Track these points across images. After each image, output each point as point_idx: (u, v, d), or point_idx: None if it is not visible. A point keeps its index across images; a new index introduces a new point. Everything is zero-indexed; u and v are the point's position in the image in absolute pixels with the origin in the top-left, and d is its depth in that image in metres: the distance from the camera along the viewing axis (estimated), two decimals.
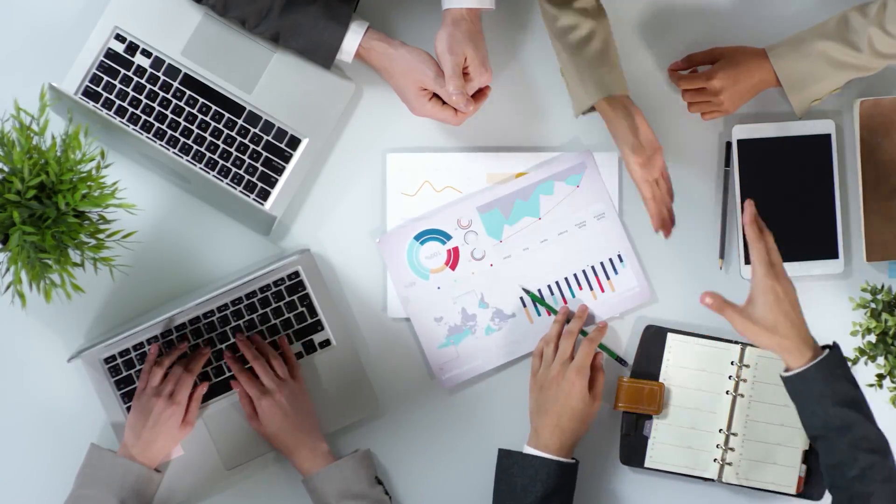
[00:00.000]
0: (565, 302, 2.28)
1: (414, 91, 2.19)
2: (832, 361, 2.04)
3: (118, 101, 2.25)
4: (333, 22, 2.19)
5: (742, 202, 2.28)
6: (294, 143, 2.27)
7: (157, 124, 2.25)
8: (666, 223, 2.19)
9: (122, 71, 2.25)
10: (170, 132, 2.26)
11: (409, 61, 2.19)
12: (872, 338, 2.10)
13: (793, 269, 2.28)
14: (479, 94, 2.21)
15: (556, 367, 2.19)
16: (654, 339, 2.27)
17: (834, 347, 2.05)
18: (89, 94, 2.25)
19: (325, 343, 2.27)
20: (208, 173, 2.26)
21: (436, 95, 2.20)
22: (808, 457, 2.26)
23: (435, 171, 2.29)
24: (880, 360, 2.20)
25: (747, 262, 2.28)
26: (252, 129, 2.26)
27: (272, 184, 2.26)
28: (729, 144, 2.30)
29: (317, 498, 2.19)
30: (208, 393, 2.26)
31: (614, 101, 2.16)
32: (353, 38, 2.20)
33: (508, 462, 2.18)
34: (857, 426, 2.02)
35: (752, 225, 2.08)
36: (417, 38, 2.26)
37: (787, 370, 2.05)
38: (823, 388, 2.03)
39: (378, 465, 2.27)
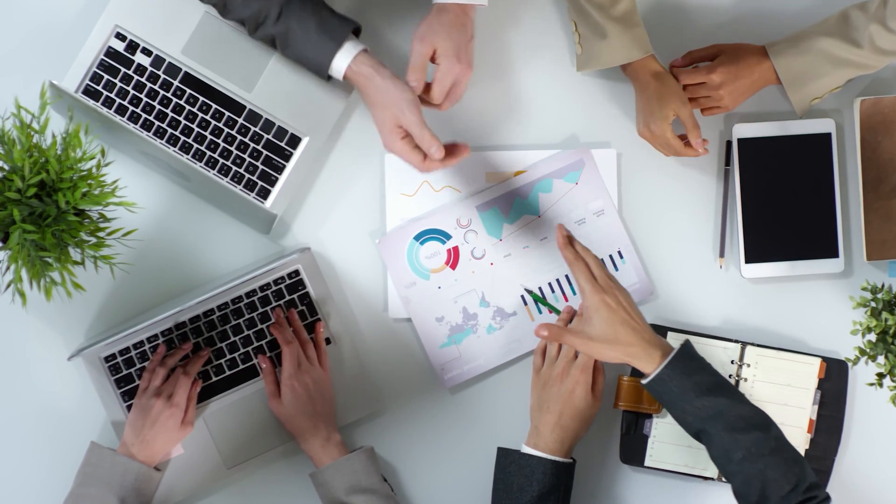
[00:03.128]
0: (566, 300, 2.28)
1: (389, 125, 2.14)
2: (683, 356, 2.08)
3: (118, 100, 2.25)
4: (326, 37, 2.16)
5: (742, 202, 2.28)
6: (294, 141, 2.27)
7: (157, 123, 2.25)
8: (692, 145, 2.20)
9: (123, 69, 2.25)
10: (170, 130, 2.26)
11: (392, 94, 2.14)
12: (872, 337, 2.10)
13: (793, 268, 2.28)
14: (453, 151, 2.16)
15: (561, 365, 2.19)
16: None
17: (684, 343, 2.10)
18: (90, 92, 2.25)
19: (326, 341, 2.27)
20: (208, 172, 2.26)
21: (409, 136, 2.16)
22: (809, 456, 2.26)
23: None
24: (880, 359, 2.20)
25: (748, 261, 2.28)
26: (252, 128, 2.26)
27: (272, 182, 2.26)
28: (729, 143, 2.30)
29: (325, 492, 2.19)
30: (209, 391, 2.26)
31: (651, 59, 2.21)
32: (343, 58, 2.16)
33: (506, 461, 2.18)
34: (729, 409, 2.06)
35: (566, 248, 2.15)
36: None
37: (644, 378, 2.09)
38: (683, 383, 2.06)
39: (380, 463, 2.27)
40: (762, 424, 2.06)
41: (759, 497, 2.03)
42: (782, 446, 2.06)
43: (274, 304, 2.26)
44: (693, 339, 2.27)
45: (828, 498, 2.04)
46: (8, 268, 1.93)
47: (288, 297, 2.26)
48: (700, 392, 2.06)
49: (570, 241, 2.17)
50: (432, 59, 2.18)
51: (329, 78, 2.19)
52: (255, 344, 2.26)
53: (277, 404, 2.23)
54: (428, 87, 2.18)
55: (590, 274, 2.13)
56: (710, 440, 2.07)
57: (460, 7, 2.16)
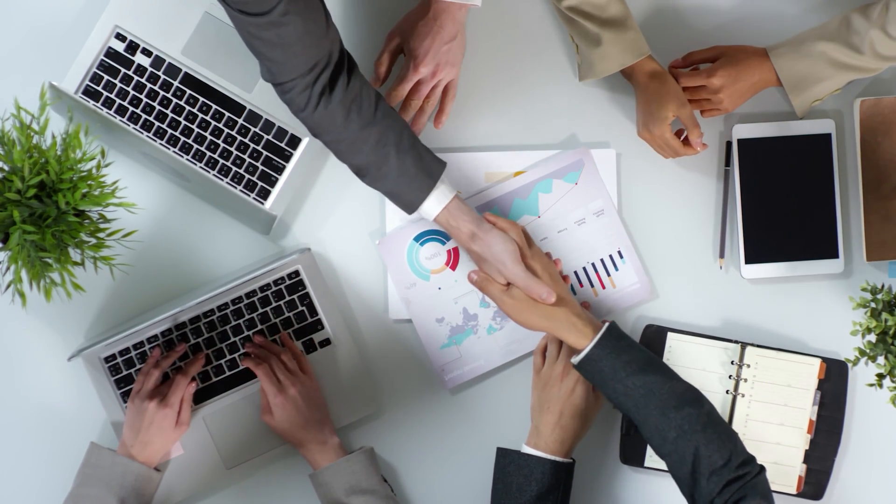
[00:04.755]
0: None
1: (513, 257, 2.14)
2: (612, 335, 2.10)
3: (118, 100, 2.25)
4: (423, 174, 2.12)
5: (742, 202, 2.28)
6: (294, 142, 2.26)
7: (157, 123, 2.25)
8: (690, 143, 2.20)
9: (123, 70, 2.25)
10: (170, 131, 2.25)
11: (494, 249, 2.14)
12: (872, 337, 2.10)
13: (793, 269, 2.28)
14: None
15: (561, 365, 2.19)
16: (653, 339, 2.27)
17: (609, 321, 2.13)
18: (89, 92, 2.25)
19: (326, 342, 2.27)
20: (208, 172, 2.26)
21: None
22: (808, 456, 2.26)
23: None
24: (880, 359, 2.20)
25: (747, 261, 2.28)
26: (252, 129, 2.26)
27: (272, 183, 2.26)
28: (729, 144, 2.30)
29: (325, 493, 2.19)
30: (209, 392, 2.26)
31: (648, 61, 2.21)
32: (439, 200, 2.14)
33: (505, 461, 2.18)
34: (660, 387, 2.07)
35: (487, 215, 2.18)
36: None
37: (574, 357, 2.11)
38: (613, 363, 2.09)
39: (381, 464, 2.27)
40: (694, 400, 2.08)
41: (692, 471, 2.04)
42: (715, 421, 2.07)
43: (274, 303, 2.26)
44: (693, 339, 2.27)
45: (762, 470, 2.05)
46: (8, 268, 1.93)
47: (288, 298, 2.26)
48: (630, 371, 2.08)
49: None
50: (404, 54, 2.21)
51: (412, 213, 2.17)
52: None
53: (270, 419, 2.23)
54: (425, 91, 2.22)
55: (515, 247, 2.15)
56: (643, 421, 2.08)
57: (441, 6, 2.16)
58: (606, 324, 2.12)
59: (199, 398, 2.26)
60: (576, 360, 2.11)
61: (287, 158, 2.26)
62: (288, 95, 2.05)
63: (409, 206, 2.14)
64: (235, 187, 2.26)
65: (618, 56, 2.19)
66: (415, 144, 2.12)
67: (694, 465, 2.04)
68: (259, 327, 2.26)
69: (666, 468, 2.25)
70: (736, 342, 2.27)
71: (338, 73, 2.04)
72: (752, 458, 2.06)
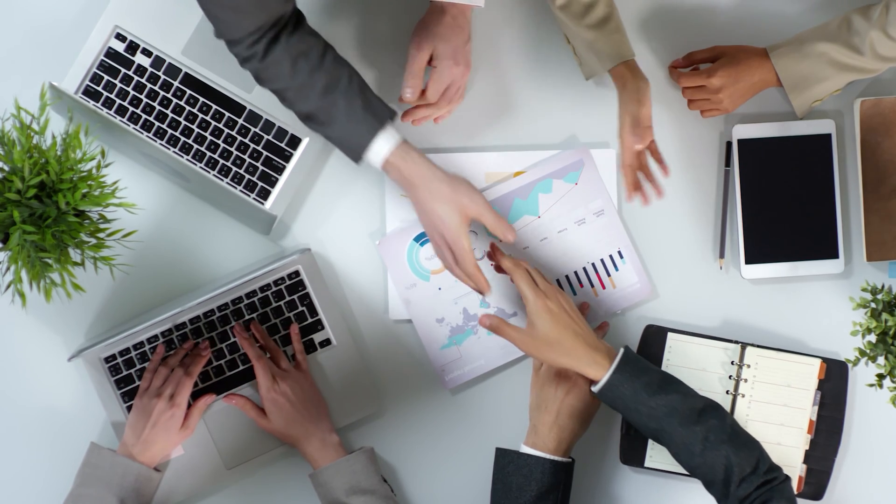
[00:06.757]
0: None
1: (458, 219, 2.12)
2: (628, 359, 2.10)
3: (118, 101, 2.25)
4: (371, 116, 2.10)
5: (742, 202, 2.28)
6: (294, 142, 2.26)
7: (157, 123, 2.25)
8: (638, 188, 2.18)
9: (123, 70, 2.25)
10: (170, 131, 2.25)
11: (454, 185, 2.11)
12: (872, 338, 2.10)
13: (793, 269, 2.28)
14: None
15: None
16: (654, 339, 2.27)
17: (623, 346, 2.12)
18: (90, 93, 2.25)
19: (326, 342, 2.27)
20: (208, 172, 2.26)
21: None
22: (809, 457, 2.26)
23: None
24: (880, 360, 2.20)
25: (748, 262, 2.28)
26: (252, 129, 2.26)
27: (272, 183, 2.26)
28: (729, 144, 2.30)
29: (325, 493, 2.19)
30: (209, 391, 2.25)
31: (628, 65, 2.16)
32: (387, 142, 2.11)
33: (504, 461, 2.18)
34: (681, 404, 2.08)
35: (503, 258, 2.16)
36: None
37: (593, 385, 2.11)
38: (633, 385, 2.09)
39: (381, 464, 2.27)
40: (715, 413, 2.09)
41: (724, 480, 2.06)
42: (738, 431, 2.09)
43: (274, 304, 2.26)
44: (693, 339, 2.27)
45: (787, 478, 2.08)
46: (8, 269, 1.93)
47: (288, 298, 2.26)
48: (651, 392, 2.09)
49: (502, 260, 2.17)
50: (429, 62, 2.18)
51: (360, 161, 2.14)
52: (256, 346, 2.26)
53: (266, 423, 2.23)
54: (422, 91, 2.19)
55: (531, 280, 2.14)
56: (669, 438, 2.09)
57: (458, 8, 2.15)
58: (622, 349, 2.12)
59: (199, 398, 2.26)
60: (596, 388, 2.11)
61: (287, 158, 2.26)
62: (234, 49, 2.06)
63: (357, 150, 2.12)
64: (235, 187, 2.26)
65: (604, 58, 2.17)
66: (363, 90, 2.11)
67: (725, 474, 2.06)
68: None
69: (666, 468, 2.26)
70: (736, 342, 2.27)
71: (286, 27, 2.05)
72: (776, 465, 2.09)
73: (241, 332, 2.23)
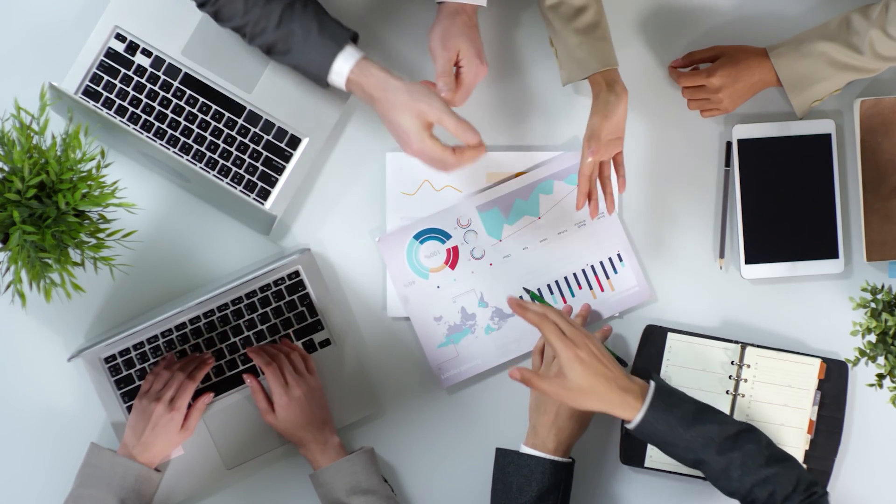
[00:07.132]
0: (565, 301, 2.29)
1: (417, 125, 2.10)
2: (660, 394, 2.07)
3: (118, 101, 2.25)
4: (328, 40, 2.13)
5: (742, 202, 2.28)
6: (294, 142, 2.27)
7: (157, 124, 2.25)
8: (588, 200, 2.18)
9: (123, 70, 2.25)
10: (170, 131, 2.26)
11: (413, 92, 2.10)
12: (872, 338, 2.10)
13: (793, 269, 2.28)
14: (467, 151, 2.12)
15: (558, 365, 2.19)
16: (654, 339, 2.27)
17: (652, 379, 2.09)
18: (89, 93, 2.25)
19: (326, 342, 2.27)
20: (208, 173, 2.26)
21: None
22: (809, 457, 2.26)
23: (434, 170, 2.28)
24: (880, 360, 2.20)
25: (747, 262, 2.28)
26: (252, 129, 2.26)
27: (272, 183, 2.26)
28: (729, 144, 2.30)
29: (325, 493, 2.19)
30: (207, 391, 2.26)
31: (607, 74, 2.15)
32: (345, 62, 2.14)
33: (505, 461, 2.18)
34: (717, 431, 2.06)
35: (527, 312, 2.10)
36: (413, 42, 2.26)
37: (627, 423, 2.08)
38: (668, 422, 2.06)
39: (381, 464, 2.27)
40: (750, 436, 2.07)
41: (767, 502, 2.04)
42: (775, 451, 2.07)
43: (274, 304, 2.26)
44: (693, 339, 2.27)
45: (826, 493, 2.07)
46: (8, 269, 1.94)
47: (288, 298, 2.26)
48: (686, 425, 2.06)
49: (524, 310, 2.11)
50: (455, 63, 2.17)
51: (327, 85, 2.17)
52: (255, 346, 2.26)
53: (273, 419, 2.23)
54: None
55: (559, 331, 2.09)
56: (707, 467, 2.07)
57: (472, 8, 2.16)
58: (653, 384, 2.09)
59: (198, 398, 2.26)
60: (631, 426, 2.08)
61: (287, 158, 2.27)
62: None
63: (319, 74, 2.15)
64: (235, 188, 2.26)
65: (584, 65, 2.16)
66: (318, 15, 2.14)
67: (767, 497, 2.05)
68: (259, 327, 2.26)
69: (666, 468, 2.26)
70: (736, 342, 2.27)
71: None
72: (815, 480, 2.08)
73: (251, 351, 2.24)
